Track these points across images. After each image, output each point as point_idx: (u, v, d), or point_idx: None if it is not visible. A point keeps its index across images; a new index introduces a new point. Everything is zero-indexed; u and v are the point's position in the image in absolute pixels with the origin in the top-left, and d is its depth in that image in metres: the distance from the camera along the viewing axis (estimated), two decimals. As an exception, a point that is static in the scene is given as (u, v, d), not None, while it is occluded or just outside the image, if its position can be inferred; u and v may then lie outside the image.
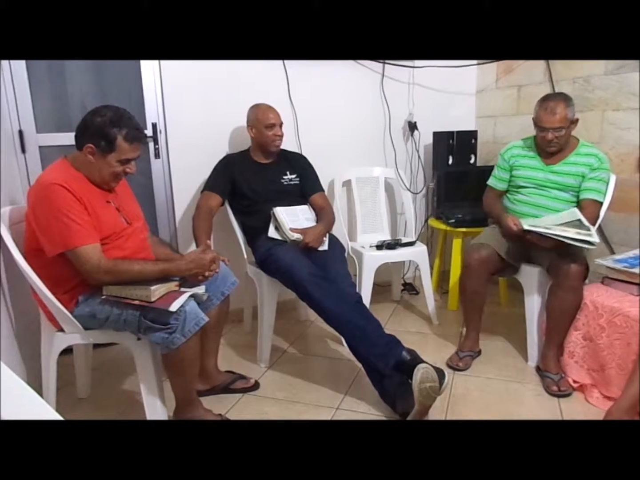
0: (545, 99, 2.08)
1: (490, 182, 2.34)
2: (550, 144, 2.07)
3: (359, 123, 2.88)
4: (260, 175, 2.32)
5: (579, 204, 2.09)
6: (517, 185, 2.23)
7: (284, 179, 2.36)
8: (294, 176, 2.38)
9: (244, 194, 2.29)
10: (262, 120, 2.29)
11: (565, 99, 2.04)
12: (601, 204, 2.08)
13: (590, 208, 2.05)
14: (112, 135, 1.53)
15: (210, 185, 2.31)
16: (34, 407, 0.72)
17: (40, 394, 0.72)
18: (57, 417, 0.71)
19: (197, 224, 2.24)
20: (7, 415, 0.68)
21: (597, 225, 2.19)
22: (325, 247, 2.21)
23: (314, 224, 2.28)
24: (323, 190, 2.47)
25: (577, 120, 2.07)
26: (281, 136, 2.33)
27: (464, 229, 2.69)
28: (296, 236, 2.14)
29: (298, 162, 2.44)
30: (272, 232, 2.20)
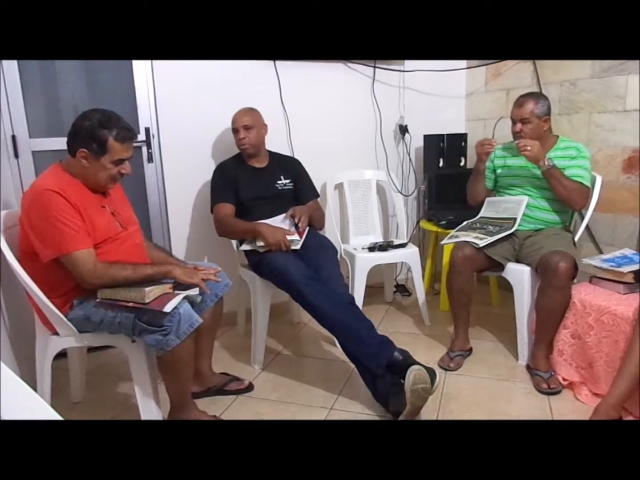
0: (520, 96, 2.19)
1: None
2: (519, 135, 2.16)
3: (350, 126, 2.90)
4: (254, 179, 2.32)
5: None
6: (505, 185, 2.31)
7: (278, 183, 2.36)
8: (288, 181, 2.39)
9: (238, 198, 2.29)
10: (231, 124, 2.32)
11: (536, 96, 2.15)
12: (588, 187, 2.11)
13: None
14: (103, 137, 1.54)
15: (217, 198, 2.28)
16: (33, 407, 0.73)
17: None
18: (57, 416, 0.72)
19: (227, 228, 2.24)
20: (7, 416, 0.69)
21: (584, 225, 2.23)
22: (299, 245, 2.15)
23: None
24: (318, 196, 2.48)
25: (547, 119, 2.15)
26: (244, 138, 2.27)
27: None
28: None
29: (292, 167, 2.45)
30: (244, 246, 2.21)
